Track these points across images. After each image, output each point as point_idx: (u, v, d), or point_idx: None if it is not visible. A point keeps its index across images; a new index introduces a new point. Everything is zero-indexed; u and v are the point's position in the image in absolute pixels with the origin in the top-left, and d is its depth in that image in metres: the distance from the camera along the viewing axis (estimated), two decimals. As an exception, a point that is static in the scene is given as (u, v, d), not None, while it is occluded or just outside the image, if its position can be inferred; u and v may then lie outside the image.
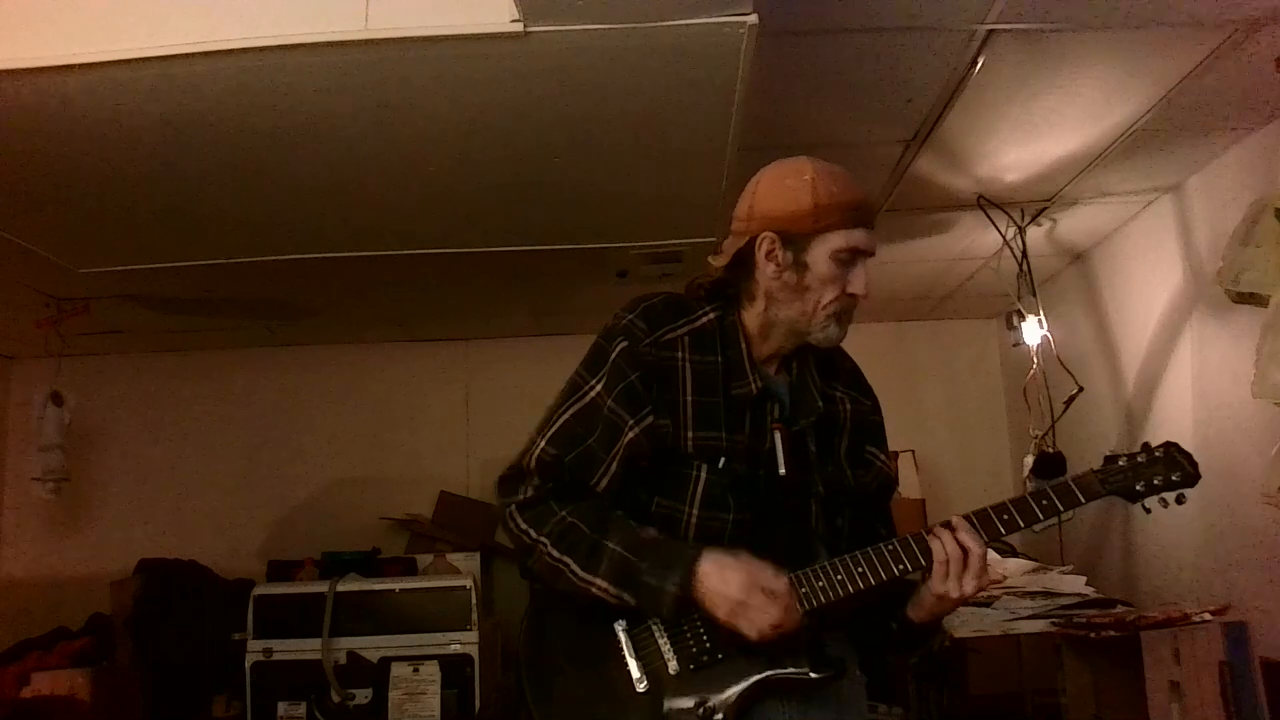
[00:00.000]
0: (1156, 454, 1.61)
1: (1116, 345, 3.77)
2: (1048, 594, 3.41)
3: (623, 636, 1.56)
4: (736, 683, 1.53)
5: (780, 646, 1.52)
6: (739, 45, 2.09)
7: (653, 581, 1.50)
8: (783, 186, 1.60)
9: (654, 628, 1.56)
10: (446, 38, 2.05)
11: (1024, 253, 3.60)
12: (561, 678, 1.58)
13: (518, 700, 1.59)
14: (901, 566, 1.54)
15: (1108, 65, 2.50)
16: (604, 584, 1.52)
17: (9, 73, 2.07)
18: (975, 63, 2.44)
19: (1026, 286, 3.69)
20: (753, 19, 2.01)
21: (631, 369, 1.60)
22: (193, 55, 2.05)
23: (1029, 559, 3.77)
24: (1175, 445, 1.62)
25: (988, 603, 3.37)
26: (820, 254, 1.58)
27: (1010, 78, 2.54)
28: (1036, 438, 3.75)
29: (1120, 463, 1.61)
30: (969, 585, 1.53)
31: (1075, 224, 3.69)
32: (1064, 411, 3.68)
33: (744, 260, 1.63)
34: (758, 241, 1.61)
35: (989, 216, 3.44)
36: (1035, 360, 3.77)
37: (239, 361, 4.86)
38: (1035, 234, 3.67)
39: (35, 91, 2.17)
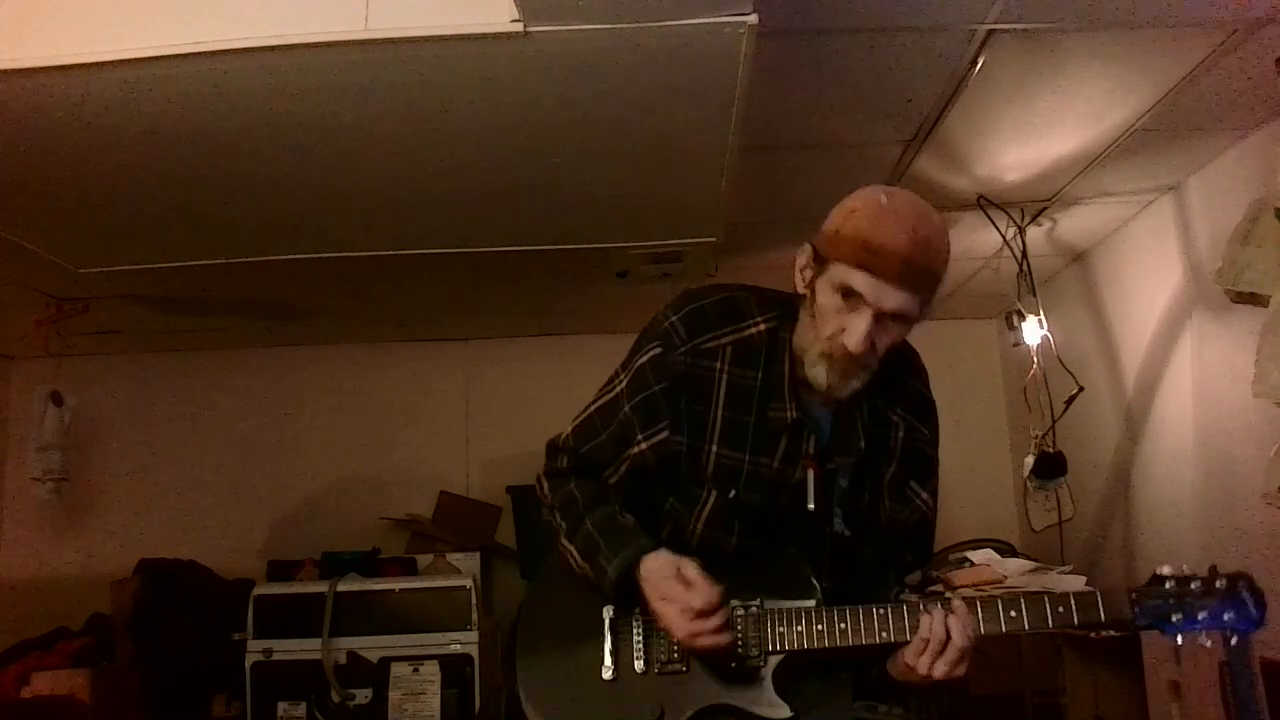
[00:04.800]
0: (1217, 585, 1.40)
1: (1116, 345, 3.77)
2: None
3: (606, 622, 1.60)
4: (694, 699, 1.54)
5: (743, 675, 1.53)
6: (739, 45, 2.09)
7: (602, 562, 1.55)
8: (841, 204, 1.51)
9: (634, 622, 1.59)
10: (446, 38, 2.05)
11: (1024, 253, 3.60)
12: (548, 642, 1.65)
13: (509, 643, 1.69)
14: (885, 634, 1.47)
15: (1108, 65, 2.50)
16: (576, 555, 1.59)
17: (9, 73, 2.07)
18: (975, 63, 2.44)
19: (1026, 286, 3.69)
20: (753, 19, 2.00)
21: (657, 379, 1.58)
22: (193, 55, 2.05)
23: (1029, 559, 3.77)
24: (1249, 581, 1.41)
25: (988, 603, 3.36)
26: (826, 283, 1.48)
27: (1010, 78, 2.53)
28: (1037, 438, 3.75)
29: (1167, 585, 1.43)
30: (938, 669, 1.43)
31: (1075, 224, 3.69)
32: (1064, 411, 3.67)
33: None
34: (798, 257, 1.54)
35: (989, 216, 3.44)
36: (1035, 360, 3.76)
37: (239, 361, 4.86)
38: (1035, 234, 3.67)
39: (35, 91, 2.16)
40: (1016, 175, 3.19)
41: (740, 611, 1.54)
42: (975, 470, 4.72)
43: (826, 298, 1.47)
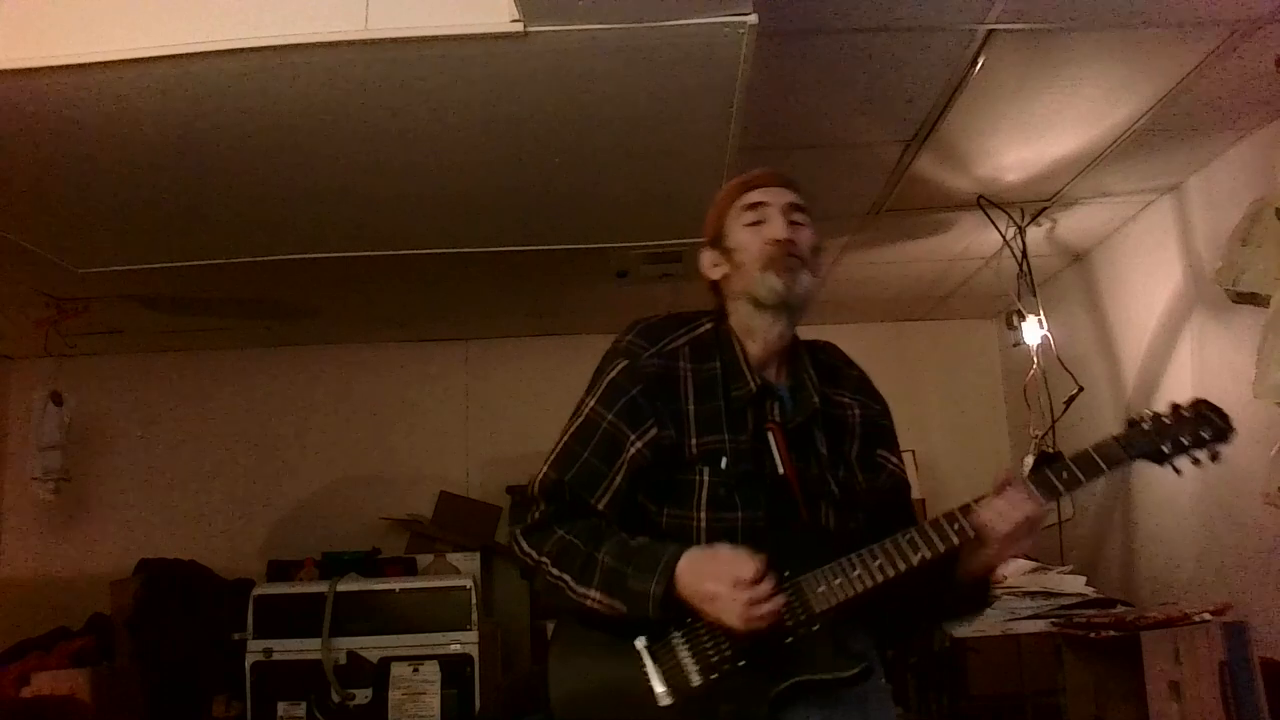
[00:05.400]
0: (1185, 413, 1.56)
1: (1116, 345, 3.77)
2: (1048, 594, 3.41)
3: (644, 652, 1.55)
4: (761, 689, 1.51)
5: (802, 646, 1.51)
6: (739, 45, 2.09)
7: (637, 585, 1.51)
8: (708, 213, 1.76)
9: (674, 641, 1.55)
10: (446, 38, 2.05)
11: (1024, 253, 3.60)
12: (587, 697, 1.58)
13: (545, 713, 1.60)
14: (920, 554, 1.51)
15: (1108, 65, 2.50)
16: (597, 595, 1.54)
17: (9, 73, 2.07)
18: (975, 63, 2.44)
19: (1026, 286, 3.69)
20: (753, 19, 2.01)
21: (632, 384, 1.62)
22: (193, 55, 2.06)
23: (1029, 559, 3.77)
24: (1206, 401, 1.57)
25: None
26: (732, 228, 1.68)
27: (1010, 78, 2.54)
28: (1036, 438, 3.75)
29: (1144, 426, 1.57)
30: (1023, 545, 1.54)
31: (1075, 224, 3.69)
32: (1064, 411, 3.68)
33: (712, 284, 1.75)
34: (701, 263, 1.74)
35: (989, 216, 3.44)
36: (1035, 360, 3.77)
37: (239, 361, 4.86)
38: (1035, 234, 3.67)
39: (35, 91, 2.17)
40: (1016, 175, 3.19)
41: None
42: (975, 470, 4.71)
43: (739, 236, 1.67)
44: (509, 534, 1.72)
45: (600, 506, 1.61)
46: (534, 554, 1.62)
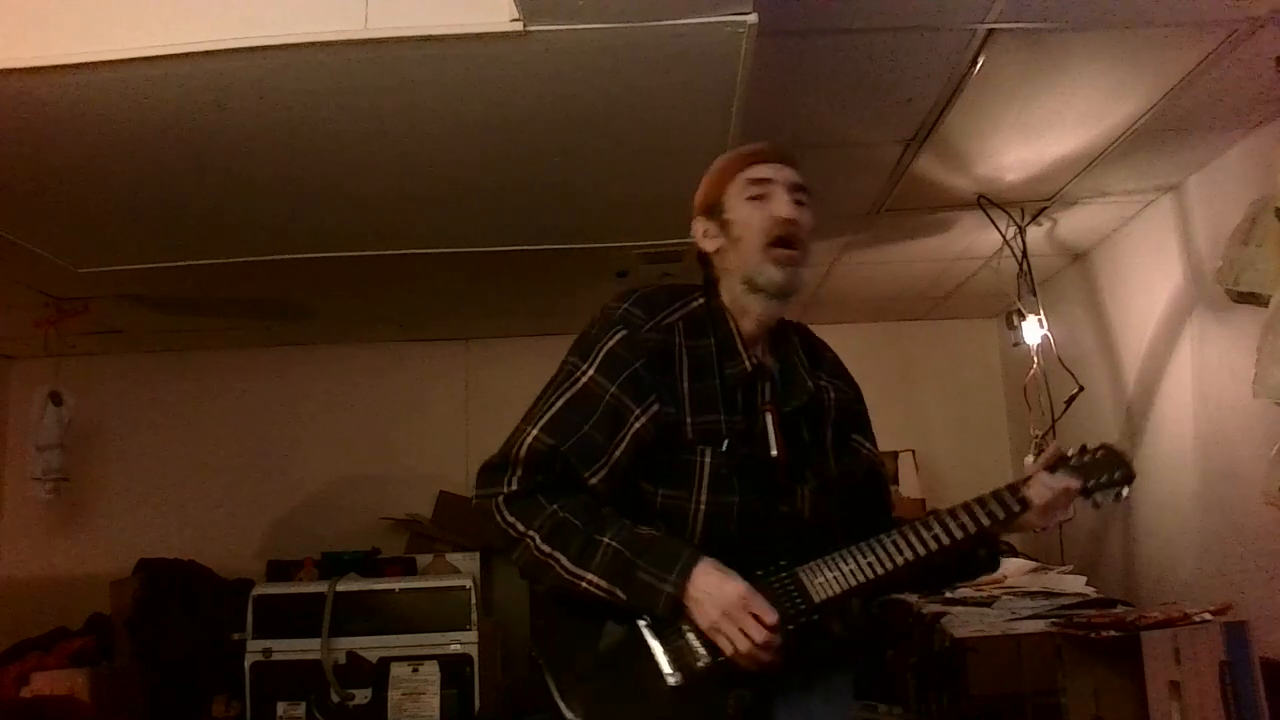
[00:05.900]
0: (1098, 455, 1.66)
1: (1116, 345, 3.78)
2: (1048, 594, 3.41)
3: (647, 632, 1.52)
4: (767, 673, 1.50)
5: (807, 633, 1.51)
6: (739, 45, 2.09)
7: (648, 579, 1.47)
8: (702, 180, 1.72)
9: (680, 622, 1.52)
10: (446, 37, 2.05)
11: (1024, 252, 3.60)
12: (588, 680, 1.54)
13: (545, 705, 1.56)
14: (922, 548, 1.53)
15: (1108, 65, 2.50)
16: (595, 579, 1.49)
17: (9, 73, 2.07)
18: (975, 63, 2.44)
19: (1026, 286, 3.69)
20: (753, 19, 2.01)
21: (634, 356, 1.58)
22: (192, 55, 2.05)
23: (1029, 559, 3.78)
24: (1112, 446, 1.67)
25: (988, 603, 3.37)
26: (733, 202, 1.64)
27: (1010, 78, 2.53)
28: (1036, 438, 3.75)
29: (1072, 463, 1.64)
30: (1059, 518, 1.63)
31: (1075, 224, 3.69)
32: (1064, 411, 3.68)
33: (701, 255, 1.71)
34: (693, 232, 1.70)
35: (989, 216, 3.44)
36: (1035, 360, 3.77)
37: (239, 361, 4.87)
38: (1035, 234, 3.67)
39: (36, 91, 2.17)
40: (1016, 175, 3.19)
41: (773, 579, 1.52)
42: (975, 470, 4.72)
43: (741, 210, 1.63)
44: (480, 498, 1.58)
45: (593, 481, 1.54)
46: (519, 525, 1.54)
